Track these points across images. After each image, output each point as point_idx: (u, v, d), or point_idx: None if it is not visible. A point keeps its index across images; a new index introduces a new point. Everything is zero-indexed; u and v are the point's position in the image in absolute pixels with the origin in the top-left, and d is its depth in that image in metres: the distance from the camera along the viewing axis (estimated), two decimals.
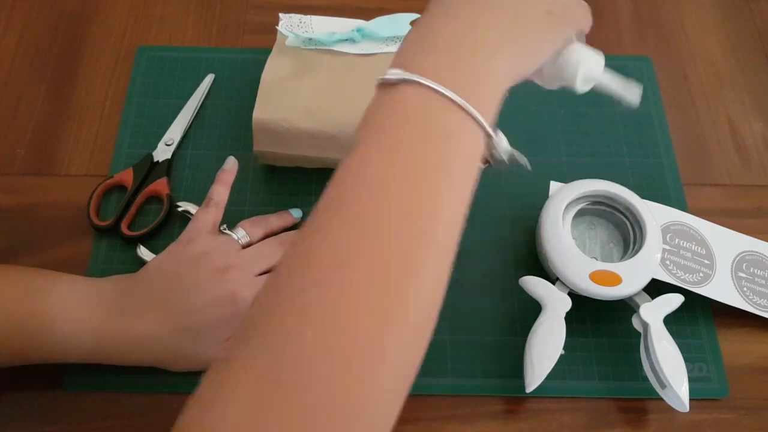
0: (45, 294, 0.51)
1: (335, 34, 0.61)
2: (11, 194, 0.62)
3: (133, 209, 0.63)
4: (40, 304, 0.51)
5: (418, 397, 0.56)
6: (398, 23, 0.61)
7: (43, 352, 0.51)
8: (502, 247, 0.63)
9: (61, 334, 0.50)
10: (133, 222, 0.63)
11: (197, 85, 0.70)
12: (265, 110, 0.60)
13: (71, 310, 0.51)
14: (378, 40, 0.62)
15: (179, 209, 0.62)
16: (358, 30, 0.60)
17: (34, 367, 0.56)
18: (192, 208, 0.62)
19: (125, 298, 0.52)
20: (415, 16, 0.60)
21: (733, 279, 0.59)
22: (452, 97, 0.33)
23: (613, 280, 0.55)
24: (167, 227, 0.63)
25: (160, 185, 0.64)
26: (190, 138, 0.68)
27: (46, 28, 0.75)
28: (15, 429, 0.54)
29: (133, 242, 0.61)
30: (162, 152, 0.66)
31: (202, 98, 0.69)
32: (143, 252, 0.60)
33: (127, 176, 0.64)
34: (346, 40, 0.61)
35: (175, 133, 0.67)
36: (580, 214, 0.60)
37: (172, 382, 0.56)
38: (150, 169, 0.65)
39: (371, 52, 0.61)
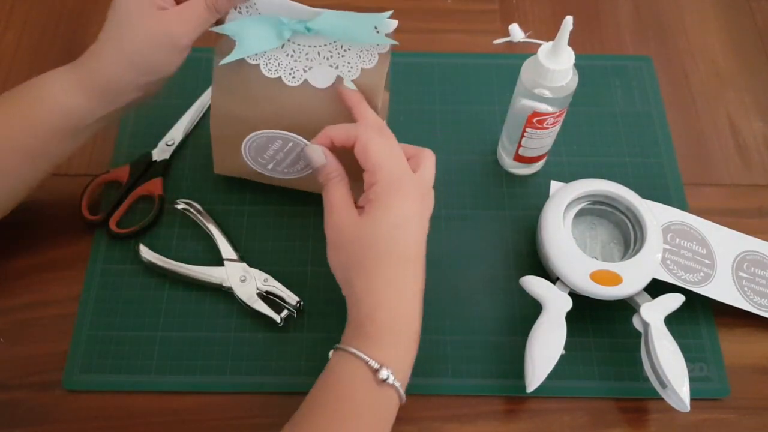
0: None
1: (283, 23, 0.52)
2: None
3: (123, 207, 0.63)
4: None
5: (418, 397, 0.56)
6: (355, 24, 0.52)
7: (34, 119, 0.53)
8: (502, 247, 0.63)
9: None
10: (122, 219, 0.63)
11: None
12: (223, 167, 0.62)
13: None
14: (327, 38, 0.54)
15: (178, 207, 0.62)
16: (308, 29, 0.52)
17: (34, 367, 0.56)
18: (192, 207, 0.62)
19: None
20: (382, 17, 0.51)
21: (733, 279, 0.59)
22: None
23: (614, 279, 0.55)
24: (156, 227, 0.63)
25: (154, 185, 0.64)
26: (192, 138, 0.68)
27: (46, 28, 0.76)
28: (15, 429, 0.54)
29: (119, 239, 0.62)
30: (161, 152, 0.66)
31: (209, 101, 0.69)
32: (143, 251, 0.60)
33: (123, 173, 0.64)
34: (288, 40, 0.54)
35: (177, 133, 0.67)
36: (581, 214, 0.60)
37: (172, 382, 0.56)
38: (147, 168, 0.65)
39: (316, 44, 0.54)
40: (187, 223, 0.63)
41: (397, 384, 0.46)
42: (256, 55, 0.54)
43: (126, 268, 0.61)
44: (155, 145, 0.66)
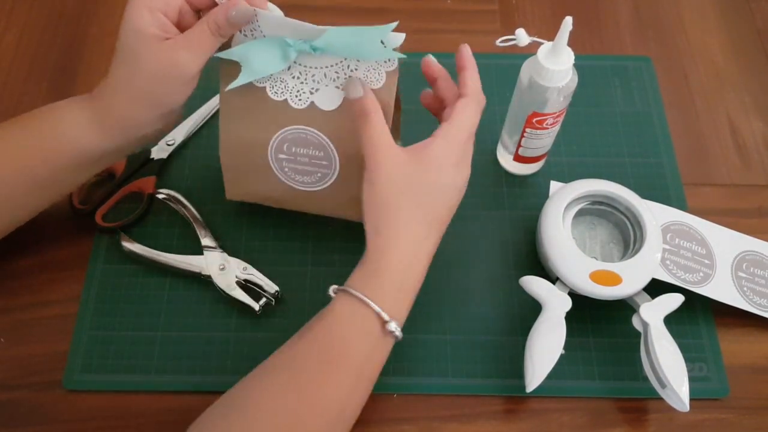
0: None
1: (288, 44, 0.51)
2: None
3: (111, 200, 0.63)
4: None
5: (418, 397, 0.56)
6: (360, 40, 0.50)
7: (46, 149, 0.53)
8: (502, 247, 0.63)
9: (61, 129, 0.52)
10: (108, 213, 0.63)
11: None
12: (235, 193, 0.61)
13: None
14: (335, 56, 0.52)
15: (160, 196, 0.63)
16: (313, 48, 0.51)
17: (34, 367, 0.56)
18: (173, 196, 0.62)
19: None
20: (387, 29, 0.49)
21: (733, 279, 0.59)
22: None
23: (613, 280, 0.55)
24: (142, 224, 0.63)
25: (146, 183, 0.64)
26: (195, 139, 0.68)
27: (46, 28, 0.76)
28: (15, 429, 0.54)
29: (106, 232, 0.62)
30: (160, 151, 0.66)
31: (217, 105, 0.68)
32: (124, 240, 0.61)
33: (118, 166, 0.64)
34: (295, 61, 0.53)
35: (178, 133, 0.67)
36: (581, 214, 0.60)
37: (172, 382, 0.56)
38: (143, 165, 0.65)
39: (322, 66, 0.52)
40: (174, 221, 0.63)
41: (399, 334, 0.48)
42: (262, 78, 0.53)
43: (126, 268, 0.61)
44: (156, 144, 0.66)
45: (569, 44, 0.54)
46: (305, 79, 0.53)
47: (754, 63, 0.75)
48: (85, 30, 0.75)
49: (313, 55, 0.52)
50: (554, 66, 0.55)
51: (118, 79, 0.51)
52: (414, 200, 0.49)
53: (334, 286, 0.49)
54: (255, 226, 0.63)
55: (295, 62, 0.53)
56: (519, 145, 0.62)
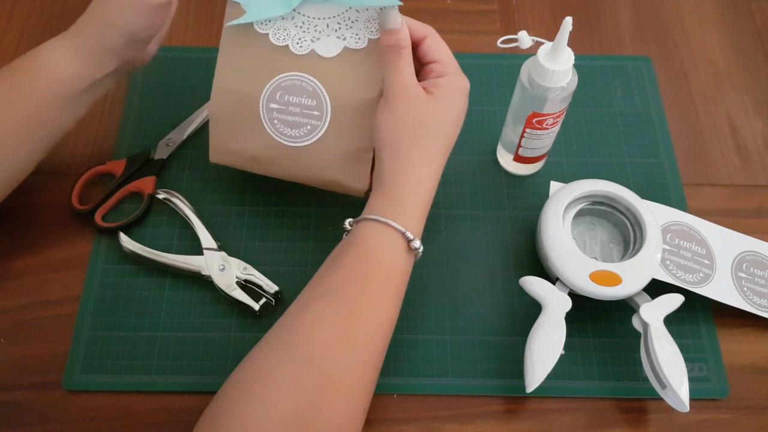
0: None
1: None
2: (12, 194, 0.61)
3: (111, 200, 0.63)
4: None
5: (418, 397, 0.56)
6: None
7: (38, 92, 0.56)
8: (502, 247, 0.63)
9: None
10: (108, 213, 0.63)
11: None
12: (219, 154, 0.60)
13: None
14: (337, 5, 0.54)
15: (159, 196, 0.63)
16: None
17: (34, 367, 0.56)
18: (173, 197, 0.62)
19: None
20: None
21: (733, 279, 0.59)
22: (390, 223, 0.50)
23: (613, 280, 0.55)
24: (142, 224, 0.63)
25: (146, 183, 0.64)
26: (195, 140, 0.68)
27: (46, 28, 0.76)
28: (15, 429, 0.54)
29: (106, 232, 0.62)
30: (161, 151, 0.66)
31: None
32: (123, 240, 0.61)
33: (118, 166, 0.65)
34: (298, 12, 0.55)
35: (179, 134, 0.67)
36: (580, 214, 0.60)
37: (172, 382, 0.56)
38: (143, 165, 0.65)
39: (325, 16, 0.55)
40: (174, 221, 0.63)
41: (421, 250, 0.51)
42: (265, 25, 0.55)
43: (126, 268, 0.61)
44: (156, 144, 0.66)
45: (569, 44, 0.54)
46: (307, 29, 0.55)
47: (754, 63, 0.75)
48: None
49: (316, 5, 0.54)
50: (554, 66, 0.55)
51: (92, 11, 0.56)
52: (431, 132, 0.52)
53: (350, 219, 0.52)
54: (255, 226, 0.63)
55: (298, 12, 0.55)
56: (519, 146, 0.62)
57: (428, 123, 0.52)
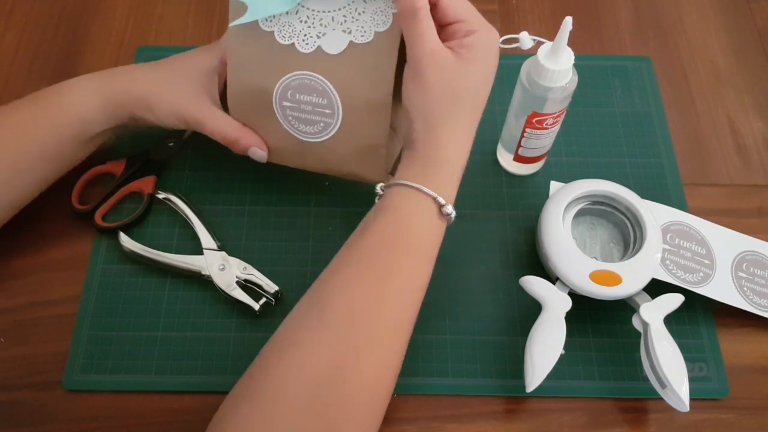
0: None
1: None
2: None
3: (111, 200, 0.63)
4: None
5: (418, 397, 0.56)
6: None
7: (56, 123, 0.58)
8: (502, 247, 0.63)
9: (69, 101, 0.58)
10: (108, 213, 0.63)
11: None
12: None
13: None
14: (341, 1, 0.53)
15: (160, 197, 0.63)
16: None
17: (34, 367, 0.56)
18: (173, 197, 0.62)
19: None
20: None
21: (733, 279, 0.59)
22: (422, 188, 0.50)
23: (613, 280, 0.55)
24: (142, 224, 0.63)
25: (146, 183, 0.64)
26: (195, 139, 0.68)
27: (46, 28, 0.76)
28: (15, 429, 0.54)
29: (106, 232, 0.62)
30: (161, 151, 0.66)
31: None
32: (123, 240, 0.61)
33: (118, 166, 0.65)
34: (303, 6, 0.54)
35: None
36: (580, 214, 0.60)
37: (172, 382, 0.56)
38: (143, 165, 0.65)
39: (329, 9, 0.53)
40: (174, 221, 0.63)
41: (453, 215, 0.50)
42: (270, 22, 0.54)
43: (126, 268, 0.61)
44: (156, 144, 0.66)
45: (569, 44, 0.54)
46: (312, 23, 0.54)
47: (754, 63, 0.75)
48: (86, 30, 0.75)
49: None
50: (554, 66, 0.55)
51: (134, 70, 0.59)
52: (465, 99, 0.51)
53: (381, 184, 0.52)
54: (255, 226, 0.63)
55: (303, 6, 0.54)
56: (519, 145, 0.62)
57: (461, 90, 0.50)
